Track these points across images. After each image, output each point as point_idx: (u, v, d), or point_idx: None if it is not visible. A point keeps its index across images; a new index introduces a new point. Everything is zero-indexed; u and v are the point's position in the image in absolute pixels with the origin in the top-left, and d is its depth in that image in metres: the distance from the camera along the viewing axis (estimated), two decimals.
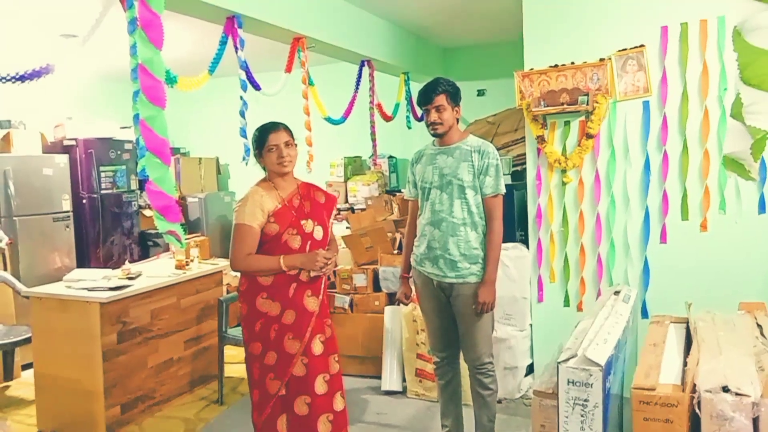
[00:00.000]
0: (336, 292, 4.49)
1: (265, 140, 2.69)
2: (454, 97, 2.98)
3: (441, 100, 2.94)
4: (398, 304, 3.32)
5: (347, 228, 5.15)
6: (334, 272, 4.57)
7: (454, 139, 3.00)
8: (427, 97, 2.96)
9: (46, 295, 3.75)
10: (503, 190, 2.98)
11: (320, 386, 2.66)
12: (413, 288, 3.18)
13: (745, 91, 1.88)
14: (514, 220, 4.33)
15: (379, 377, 4.22)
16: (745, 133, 1.90)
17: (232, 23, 3.62)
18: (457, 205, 2.92)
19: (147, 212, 6.23)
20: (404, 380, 4.14)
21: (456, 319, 3.04)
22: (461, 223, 2.92)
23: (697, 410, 2.05)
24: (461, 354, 3.15)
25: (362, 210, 5.79)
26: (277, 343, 2.61)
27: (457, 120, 3.03)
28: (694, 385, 2.11)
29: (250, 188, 2.72)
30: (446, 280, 2.95)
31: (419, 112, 6.00)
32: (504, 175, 4.53)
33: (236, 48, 3.64)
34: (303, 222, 2.69)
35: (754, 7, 1.71)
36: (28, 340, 4.13)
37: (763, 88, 1.84)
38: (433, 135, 3.03)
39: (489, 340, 3.04)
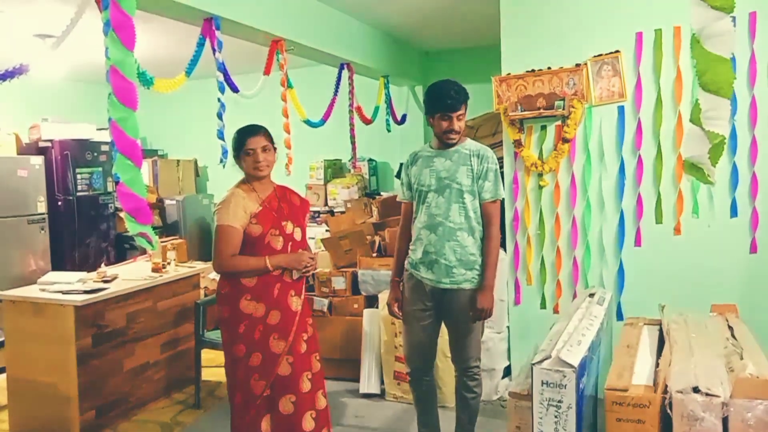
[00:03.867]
0: (315, 295, 4.48)
1: (243, 144, 2.71)
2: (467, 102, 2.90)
3: (463, 108, 2.85)
4: (388, 311, 3.22)
5: (326, 231, 5.14)
6: (313, 275, 4.57)
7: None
8: (452, 105, 2.82)
9: (19, 298, 3.69)
10: (503, 195, 2.95)
11: (305, 384, 2.70)
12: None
13: (703, 96, 1.93)
14: None
15: (357, 380, 4.21)
16: (704, 138, 1.94)
17: (209, 25, 3.61)
18: (454, 210, 2.86)
19: (123, 215, 6.18)
20: (383, 383, 4.14)
21: (446, 324, 3.01)
22: (458, 228, 2.86)
23: (669, 411, 2.08)
24: (434, 364, 3.16)
25: (342, 213, 5.79)
26: (262, 343, 2.62)
27: None
28: (666, 386, 2.15)
29: (231, 190, 2.74)
30: (440, 285, 2.90)
31: (399, 114, 6.04)
32: None
33: (214, 50, 3.63)
34: (284, 223, 2.73)
35: (712, 15, 1.76)
36: (0, 344, 4.07)
37: (720, 94, 1.88)
38: (447, 144, 2.90)
39: (479, 344, 3.02)
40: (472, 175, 2.87)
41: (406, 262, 3.06)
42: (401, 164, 3.23)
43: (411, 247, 3.02)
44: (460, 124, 2.85)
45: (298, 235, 2.78)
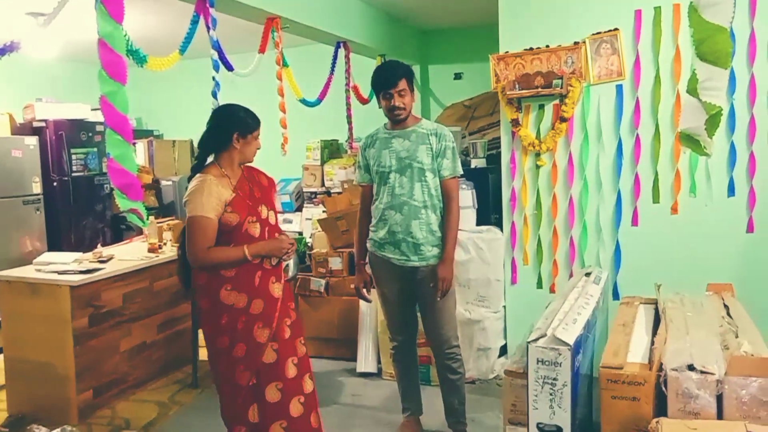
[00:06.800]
0: (311, 276, 4.49)
1: (255, 129, 2.61)
2: (412, 80, 2.95)
3: (403, 84, 2.88)
4: (357, 295, 3.27)
5: (323, 212, 5.13)
6: (310, 255, 4.58)
7: (408, 122, 2.98)
8: (388, 80, 2.88)
9: (15, 279, 3.68)
10: (460, 172, 3.01)
11: (290, 369, 2.63)
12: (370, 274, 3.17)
13: (701, 66, 1.91)
14: (488, 203, 4.36)
15: (354, 359, 4.23)
16: (700, 109, 1.92)
17: (203, 2, 3.56)
18: (417, 188, 2.91)
19: (114, 191, 6.15)
20: (379, 362, 4.16)
21: (419, 304, 3.06)
22: (422, 206, 2.92)
23: (664, 388, 2.09)
24: (416, 336, 3.21)
25: (338, 193, 5.76)
26: (245, 333, 2.54)
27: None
28: (661, 364, 2.15)
29: (201, 177, 2.52)
30: (409, 263, 2.95)
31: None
32: (479, 158, 4.58)
33: (208, 27, 3.59)
34: (259, 208, 2.61)
35: None
36: None
37: (718, 64, 1.86)
38: (394, 121, 2.97)
39: (454, 322, 3.07)
40: (431, 153, 2.93)
41: (368, 243, 3.09)
42: None
43: (372, 228, 3.06)
44: (403, 101, 2.90)
45: (272, 219, 2.67)
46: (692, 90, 1.96)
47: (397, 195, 2.93)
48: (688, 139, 2.10)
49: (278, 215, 2.80)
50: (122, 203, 2.62)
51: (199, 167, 2.60)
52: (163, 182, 6.87)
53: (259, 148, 2.66)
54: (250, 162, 2.68)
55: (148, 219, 2.74)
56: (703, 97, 1.92)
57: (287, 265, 2.72)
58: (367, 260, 3.15)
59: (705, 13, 1.83)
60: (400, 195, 2.92)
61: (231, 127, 2.58)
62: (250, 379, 2.57)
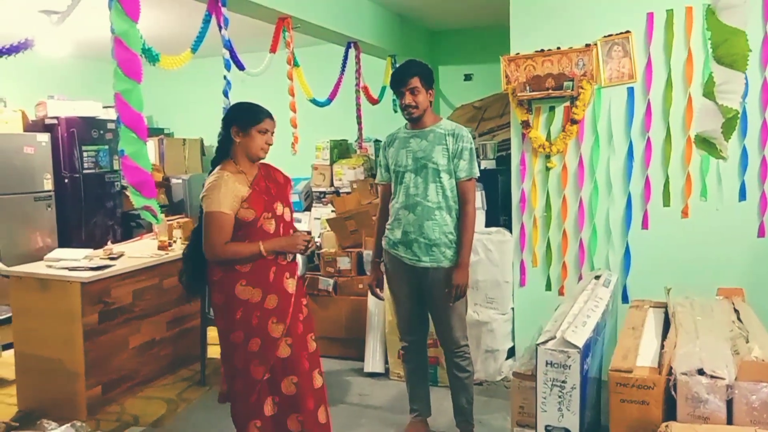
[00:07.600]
0: (320, 275, 4.49)
1: (260, 121, 2.60)
2: (428, 79, 2.93)
3: (415, 82, 2.88)
4: (370, 292, 3.29)
5: (332, 211, 5.14)
6: (319, 255, 4.58)
7: (427, 122, 2.97)
8: (400, 79, 2.91)
9: (26, 275, 3.71)
10: (477, 174, 2.99)
11: (305, 364, 2.67)
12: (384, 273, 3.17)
13: (718, 70, 1.90)
14: (498, 205, 4.35)
15: (362, 359, 4.23)
16: (717, 112, 1.92)
17: (215, 1, 3.58)
18: (432, 189, 2.91)
19: (128, 188, 6.18)
20: (387, 362, 4.16)
21: (428, 304, 3.05)
22: (436, 207, 2.91)
23: (673, 392, 2.08)
24: (427, 337, 3.20)
25: (347, 193, 5.77)
26: (260, 328, 2.57)
27: (431, 103, 2.98)
28: (671, 368, 2.14)
29: (219, 173, 2.55)
30: (420, 264, 2.95)
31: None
32: (489, 159, 4.58)
33: (220, 27, 3.61)
34: (275, 204, 2.64)
35: None
36: (7, 320, 4.10)
37: (735, 67, 1.85)
38: (408, 119, 2.98)
39: (464, 323, 3.07)
40: (447, 154, 2.91)
41: (383, 242, 3.10)
42: None
43: (388, 227, 3.07)
44: (416, 99, 2.89)
45: (287, 215, 2.70)
46: (709, 93, 1.95)
47: (411, 195, 2.93)
48: (703, 143, 2.09)
49: (293, 213, 2.81)
50: (136, 200, 2.64)
51: (216, 163, 2.65)
52: (173, 180, 6.90)
53: (270, 144, 2.64)
54: (260, 158, 2.66)
55: (161, 216, 2.75)
56: (719, 101, 1.91)
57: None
58: (382, 258, 3.15)
59: (722, 15, 1.83)
60: (414, 195, 2.92)
61: (230, 121, 2.64)
62: (264, 374, 2.59)
